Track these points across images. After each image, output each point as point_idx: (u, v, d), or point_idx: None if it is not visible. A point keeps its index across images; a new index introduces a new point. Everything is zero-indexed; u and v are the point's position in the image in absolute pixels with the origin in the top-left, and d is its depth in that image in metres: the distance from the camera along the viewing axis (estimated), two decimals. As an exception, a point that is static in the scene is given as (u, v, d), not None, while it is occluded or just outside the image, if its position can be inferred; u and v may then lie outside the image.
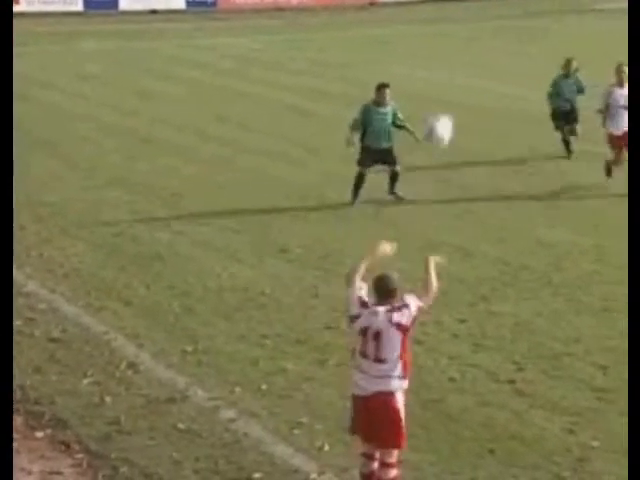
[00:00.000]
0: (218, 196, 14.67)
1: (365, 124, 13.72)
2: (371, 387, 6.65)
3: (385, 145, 13.77)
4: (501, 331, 9.83)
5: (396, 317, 6.61)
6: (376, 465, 6.83)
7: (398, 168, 13.93)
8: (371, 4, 42.80)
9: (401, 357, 6.64)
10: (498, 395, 8.48)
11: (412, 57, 28.25)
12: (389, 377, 6.64)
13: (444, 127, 13.12)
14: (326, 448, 7.65)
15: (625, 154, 13.74)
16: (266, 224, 13.33)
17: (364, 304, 6.69)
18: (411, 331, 6.76)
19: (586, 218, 13.51)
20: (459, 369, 8.97)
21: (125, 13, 40.24)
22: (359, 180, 13.90)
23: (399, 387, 6.70)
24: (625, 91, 13.98)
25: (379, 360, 6.63)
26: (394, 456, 6.81)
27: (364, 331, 6.66)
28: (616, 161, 14.47)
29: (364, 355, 6.68)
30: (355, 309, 6.70)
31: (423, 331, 9.79)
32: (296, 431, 7.90)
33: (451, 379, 8.77)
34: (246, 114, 20.67)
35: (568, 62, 16.64)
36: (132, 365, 9.10)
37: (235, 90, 23.48)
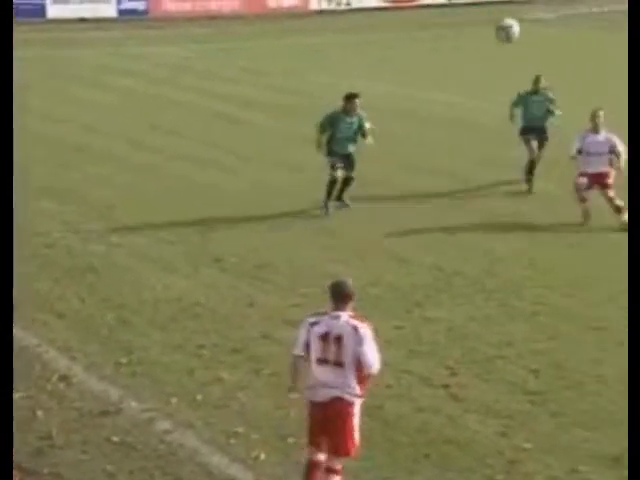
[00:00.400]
0: (151, 205, 14.56)
1: (332, 131, 14.02)
2: (329, 393, 6.74)
3: (350, 150, 14.11)
4: (435, 337, 9.93)
5: (357, 323, 6.77)
6: (320, 473, 6.88)
7: (354, 174, 14.15)
8: (304, 13, 42.88)
9: (358, 363, 6.71)
10: (433, 400, 8.57)
11: (345, 66, 28.36)
12: (348, 383, 6.74)
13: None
14: (262, 457, 7.65)
15: (609, 193, 13.43)
16: (200, 233, 13.27)
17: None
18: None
19: (518, 225, 13.67)
20: (394, 375, 9.02)
21: (53, 21, 39.69)
22: (331, 187, 14.04)
23: (356, 394, 6.79)
24: (600, 137, 13.66)
25: (339, 364, 6.72)
26: (340, 463, 6.90)
27: (325, 336, 6.75)
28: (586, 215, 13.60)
29: (324, 361, 6.74)
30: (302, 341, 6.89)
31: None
32: (232, 441, 7.88)
33: (387, 386, 8.81)
34: (178, 122, 20.56)
35: (537, 79, 15.61)
36: (64, 378, 8.99)
37: (167, 98, 23.34)
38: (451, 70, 27.09)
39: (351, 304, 6.88)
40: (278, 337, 9.90)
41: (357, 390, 6.80)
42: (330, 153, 14.10)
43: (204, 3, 41.98)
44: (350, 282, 6.95)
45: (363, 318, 6.93)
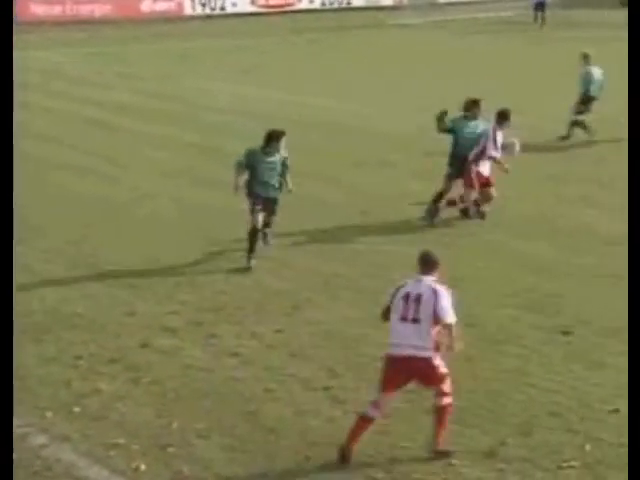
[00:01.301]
0: (27, 215, 14.17)
1: (251, 171, 12.25)
2: (408, 349, 7.60)
3: (272, 194, 12.36)
4: (316, 339, 9.98)
5: (436, 285, 7.72)
6: (377, 414, 7.71)
7: (274, 220, 12.55)
8: (178, 18, 42.53)
9: (434, 319, 7.61)
10: (314, 403, 8.60)
11: (219, 71, 28.27)
12: (424, 338, 7.58)
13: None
14: (143, 468, 7.54)
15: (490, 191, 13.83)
16: (78, 242, 13.00)
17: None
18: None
19: (399, 227, 13.82)
20: (275, 379, 9.03)
21: None
22: (253, 236, 12.15)
23: (431, 347, 7.64)
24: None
25: (417, 321, 7.61)
26: (446, 387, 7.76)
27: (406, 297, 7.69)
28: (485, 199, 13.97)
29: (404, 319, 7.63)
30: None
31: (238, 343, 9.85)
32: (112, 452, 7.75)
33: (267, 390, 8.82)
34: (50, 129, 20.13)
35: (474, 103, 14.09)
36: None
37: (38, 105, 22.81)
38: (324, 74, 27.31)
39: (436, 272, 7.82)
40: (157, 345, 9.80)
41: (432, 344, 7.64)
42: (251, 197, 12.26)
43: (75, 7, 41.19)
44: (435, 254, 7.94)
45: (444, 284, 7.73)
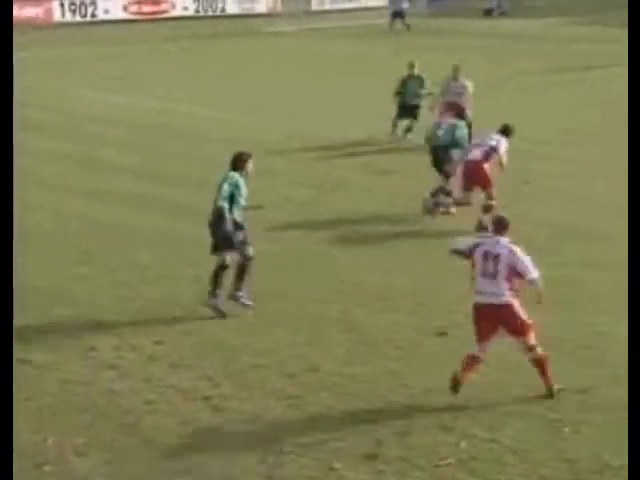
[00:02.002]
0: None
1: (234, 198, 10.77)
2: (489, 299, 8.64)
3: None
4: (197, 349, 9.95)
5: (511, 245, 8.74)
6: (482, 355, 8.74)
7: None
8: (48, 24, 41.59)
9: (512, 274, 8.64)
10: (195, 413, 8.58)
11: (90, 78, 27.82)
12: (502, 291, 8.59)
13: None
14: (19, 487, 7.38)
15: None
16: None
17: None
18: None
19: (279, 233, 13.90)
20: (156, 391, 8.98)
21: None
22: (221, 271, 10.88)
23: (509, 296, 8.63)
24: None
25: (494, 276, 8.63)
26: (530, 340, 8.65)
27: (485, 254, 8.73)
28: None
29: (484, 274, 8.67)
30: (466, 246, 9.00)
31: (118, 355, 9.74)
32: (-13, 473, 7.54)
33: (147, 401, 8.75)
34: None
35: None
36: None
37: None
38: (198, 82, 27.17)
39: (508, 232, 8.85)
40: (33, 360, 9.61)
41: (509, 294, 8.62)
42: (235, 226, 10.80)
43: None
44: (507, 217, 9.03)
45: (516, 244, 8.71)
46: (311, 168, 17.41)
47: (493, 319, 8.71)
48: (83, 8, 41.54)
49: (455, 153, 14.75)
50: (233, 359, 9.69)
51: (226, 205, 10.65)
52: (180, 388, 9.04)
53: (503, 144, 14.16)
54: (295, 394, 8.69)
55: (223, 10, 45.41)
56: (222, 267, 10.82)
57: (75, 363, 9.58)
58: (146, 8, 43.39)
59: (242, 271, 10.79)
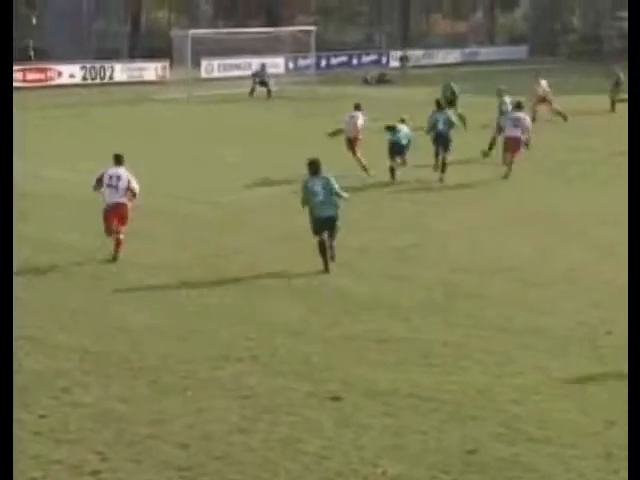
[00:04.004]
0: None
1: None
2: None
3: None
4: (84, 422, 9.65)
5: None
6: None
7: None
8: None
9: None
10: (83, 488, 8.30)
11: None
12: None
13: None
14: None
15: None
16: None
17: None
18: None
19: (153, 297, 13.74)
20: (41, 467, 8.66)
21: None
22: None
23: None
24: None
25: None
26: None
27: None
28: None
29: None
30: None
31: None
32: None
33: (32, 479, 8.43)
34: None
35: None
36: None
37: None
38: (85, 148, 26.88)
39: None
40: None
41: None
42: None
43: None
44: None
45: None
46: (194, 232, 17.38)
47: None
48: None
49: None
50: (122, 430, 9.43)
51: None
52: (67, 463, 8.74)
53: (528, 120, 23.33)
54: (187, 465, 8.51)
55: (111, 78, 45.32)
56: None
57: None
58: (31, 76, 42.87)
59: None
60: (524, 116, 23.28)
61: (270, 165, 24.08)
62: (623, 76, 31.09)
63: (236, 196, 20.59)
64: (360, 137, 23.07)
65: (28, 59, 46.15)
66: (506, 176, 22.45)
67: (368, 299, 13.57)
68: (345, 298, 13.63)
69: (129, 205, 15.57)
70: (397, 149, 22.28)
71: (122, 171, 15.70)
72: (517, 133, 22.75)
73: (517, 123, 22.86)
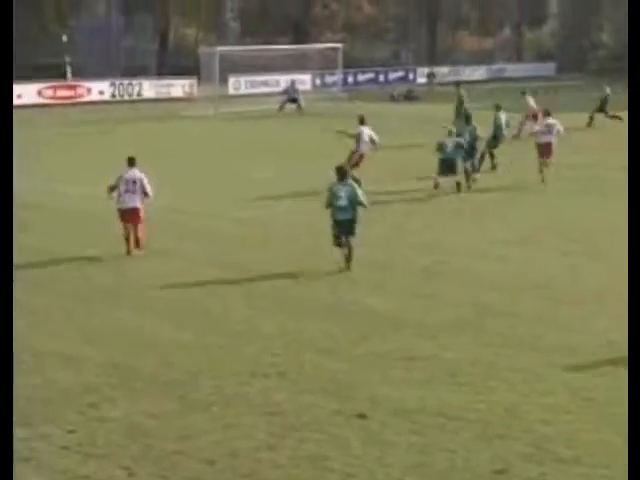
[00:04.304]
0: None
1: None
2: None
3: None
4: (112, 437, 9.66)
5: None
6: None
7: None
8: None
9: None
10: (108, 504, 8.29)
11: None
12: None
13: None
14: None
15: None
16: None
17: None
18: None
19: (183, 313, 13.72)
20: (70, 482, 8.67)
21: None
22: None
23: None
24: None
25: None
26: None
27: None
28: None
29: None
30: None
31: (29, 447, 9.40)
32: None
33: (60, 494, 8.44)
34: None
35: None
36: None
37: None
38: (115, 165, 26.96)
39: None
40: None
41: None
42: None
43: None
44: None
45: None
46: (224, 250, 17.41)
47: None
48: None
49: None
50: (149, 446, 9.43)
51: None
52: (95, 479, 8.74)
53: (558, 125, 24.74)
54: (214, 481, 8.50)
55: (139, 94, 45.63)
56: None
57: (-16, 455, 9.20)
58: (61, 93, 43.24)
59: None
60: (555, 122, 24.90)
61: (297, 181, 24.12)
62: (611, 92, 33.99)
63: (262, 211, 20.65)
64: (363, 152, 23.04)
65: (64, 76, 46.41)
66: (542, 180, 23.92)
67: (395, 317, 13.52)
68: (372, 315, 13.59)
69: (141, 209, 16.79)
70: (447, 165, 22.44)
71: (137, 173, 16.78)
72: (550, 138, 24.47)
73: (550, 129, 24.69)
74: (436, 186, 22.72)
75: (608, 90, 36.26)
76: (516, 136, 30.34)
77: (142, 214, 16.72)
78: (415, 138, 32.05)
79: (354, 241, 15.76)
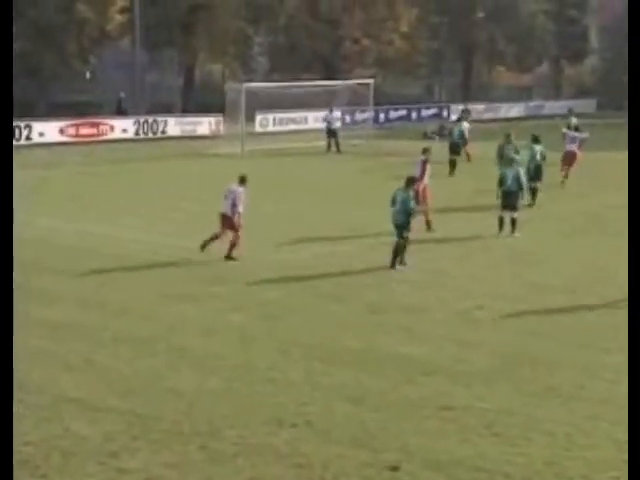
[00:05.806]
0: None
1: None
2: None
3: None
4: (132, 489, 9.26)
5: None
6: None
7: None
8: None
9: None
10: None
11: (26, 202, 27.32)
12: None
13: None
14: None
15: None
16: None
17: None
18: None
19: (211, 360, 13.32)
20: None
21: None
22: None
23: None
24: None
25: None
26: None
27: None
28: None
29: None
30: None
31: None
32: None
33: None
34: None
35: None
36: None
37: None
38: (143, 204, 26.82)
39: None
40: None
41: None
42: None
43: None
44: None
45: None
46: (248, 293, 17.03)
47: None
48: (17, 131, 40.34)
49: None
50: (171, 500, 9.01)
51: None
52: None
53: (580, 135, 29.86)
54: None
55: (164, 132, 45.43)
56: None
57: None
58: (83, 131, 42.99)
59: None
60: (580, 135, 30.41)
61: (326, 222, 23.77)
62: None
63: (292, 254, 20.21)
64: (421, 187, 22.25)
65: (120, 112, 46.38)
66: (562, 183, 28.57)
67: (429, 364, 13.03)
68: (405, 362, 13.11)
69: (233, 218, 19.13)
70: (508, 199, 21.94)
71: (238, 189, 19.37)
72: (573, 148, 29.53)
73: (574, 140, 29.70)
74: (501, 220, 22.13)
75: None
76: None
77: (232, 224, 19.00)
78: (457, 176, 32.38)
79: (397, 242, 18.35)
